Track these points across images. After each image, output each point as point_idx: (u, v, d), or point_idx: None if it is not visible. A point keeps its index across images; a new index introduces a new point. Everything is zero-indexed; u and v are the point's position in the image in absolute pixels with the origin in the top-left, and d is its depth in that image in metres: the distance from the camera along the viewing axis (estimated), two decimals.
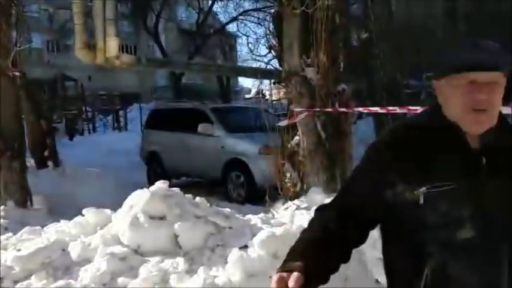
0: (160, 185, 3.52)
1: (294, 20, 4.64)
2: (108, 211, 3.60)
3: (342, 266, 1.21)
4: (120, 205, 3.52)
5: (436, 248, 1.14)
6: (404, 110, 4.96)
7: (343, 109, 4.68)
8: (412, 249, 1.17)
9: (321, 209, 1.30)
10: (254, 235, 3.22)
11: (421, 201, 1.14)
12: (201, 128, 8.56)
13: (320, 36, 4.49)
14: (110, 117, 21.06)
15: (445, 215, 1.14)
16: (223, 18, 25.67)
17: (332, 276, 1.18)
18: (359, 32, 9.68)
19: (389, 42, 9.11)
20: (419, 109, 5.93)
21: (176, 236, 3.22)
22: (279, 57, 5.23)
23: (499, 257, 1.16)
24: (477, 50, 1.10)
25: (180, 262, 3.06)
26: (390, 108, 5.19)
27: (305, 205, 4.30)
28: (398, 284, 1.23)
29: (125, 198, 3.52)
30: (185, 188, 4.75)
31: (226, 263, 3.04)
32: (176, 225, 3.21)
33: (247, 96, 33.80)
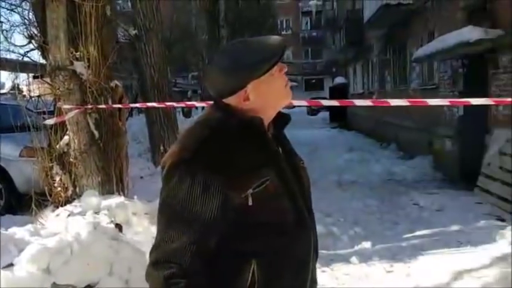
0: None
1: (59, 10, 4.23)
2: None
3: None
4: None
5: (264, 246, 1.15)
6: (181, 105, 5.10)
7: (119, 105, 4.52)
8: (237, 254, 1.15)
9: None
10: (21, 250, 2.83)
11: (250, 203, 1.13)
12: None
13: (90, 29, 4.22)
14: None
15: (271, 210, 1.17)
16: None
17: None
18: (128, 27, 9.49)
19: (157, 40, 9.18)
20: (197, 103, 6.19)
21: None
22: (42, 49, 4.70)
23: (310, 242, 1.25)
24: (278, 39, 1.26)
25: None
26: (168, 103, 5.27)
27: (79, 210, 3.99)
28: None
29: None
30: None
31: None
32: None
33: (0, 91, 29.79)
